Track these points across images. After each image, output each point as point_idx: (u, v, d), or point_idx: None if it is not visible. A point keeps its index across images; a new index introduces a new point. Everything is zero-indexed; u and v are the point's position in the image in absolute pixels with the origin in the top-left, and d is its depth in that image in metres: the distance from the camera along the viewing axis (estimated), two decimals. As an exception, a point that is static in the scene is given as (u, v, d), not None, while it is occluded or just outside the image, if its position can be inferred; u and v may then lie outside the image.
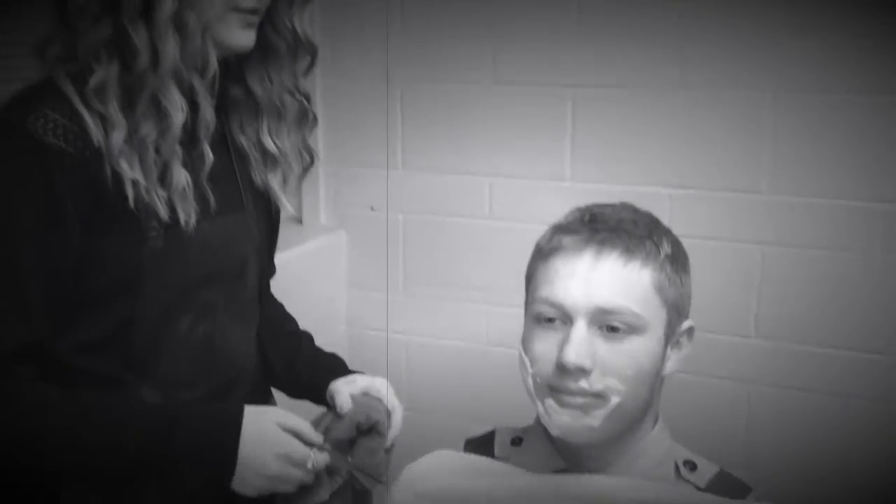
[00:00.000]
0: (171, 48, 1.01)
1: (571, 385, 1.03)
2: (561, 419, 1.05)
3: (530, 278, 1.12)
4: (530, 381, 1.08)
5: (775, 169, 1.93)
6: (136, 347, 1.09)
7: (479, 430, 1.25)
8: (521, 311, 1.15)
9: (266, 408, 1.15)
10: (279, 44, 1.16)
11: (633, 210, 1.12)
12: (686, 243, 1.15)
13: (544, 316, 1.06)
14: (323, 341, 2.26)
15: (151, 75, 1.01)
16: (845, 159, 1.87)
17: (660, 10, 1.95)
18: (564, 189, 2.07)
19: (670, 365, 1.11)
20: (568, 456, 1.11)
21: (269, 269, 1.37)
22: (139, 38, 1.00)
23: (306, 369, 1.34)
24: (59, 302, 1.04)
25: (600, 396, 1.03)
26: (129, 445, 1.04)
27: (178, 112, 1.03)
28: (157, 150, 1.03)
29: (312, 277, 2.26)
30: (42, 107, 0.99)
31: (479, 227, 2.20)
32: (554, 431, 1.07)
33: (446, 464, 1.16)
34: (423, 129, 2.21)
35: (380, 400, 1.25)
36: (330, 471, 1.16)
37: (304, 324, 2.18)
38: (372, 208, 2.30)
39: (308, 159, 1.26)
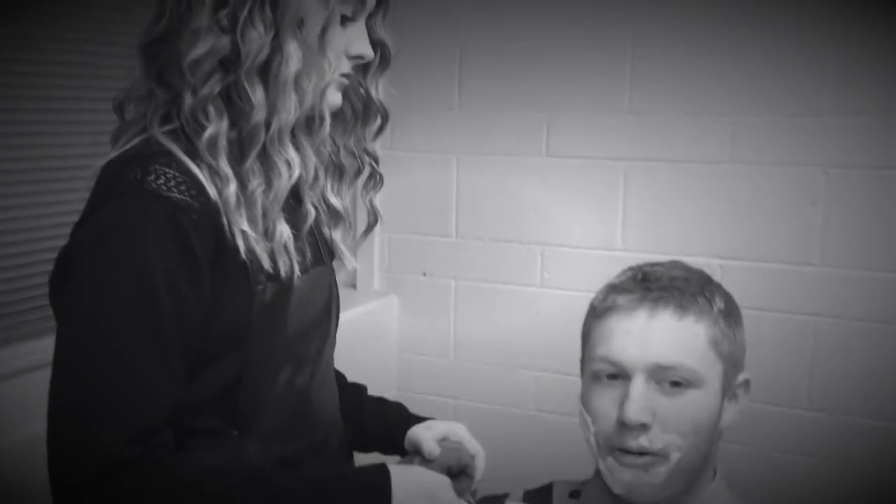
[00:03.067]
0: (291, 107, 1.03)
1: (632, 443, 1.05)
2: (623, 477, 1.06)
3: (586, 338, 1.14)
4: (592, 439, 1.10)
5: (827, 241, 1.93)
6: (242, 403, 1.07)
7: (526, 495, 1.26)
8: (568, 377, 1.17)
9: (408, 466, 1.15)
10: (345, 108, 1.19)
11: (685, 268, 1.15)
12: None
13: (603, 373, 1.08)
14: (373, 405, 2.30)
15: (264, 132, 1.02)
16: (895, 232, 1.88)
17: (711, 88, 2.00)
18: (616, 258, 2.09)
19: (727, 417, 1.12)
20: (627, 508, 1.12)
21: (338, 320, 1.37)
22: (256, 96, 1.02)
23: (376, 419, 1.33)
24: (188, 359, 1.02)
25: (661, 455, 1.05)
26: None
27: (293, 169, 1.05)
28: (264, 205, 1.04)
29: (364, 341, 2.29)
30: (157, 165, 0.99)
31: (530, 294, 2.22)
32: (616, 490, 1.08)
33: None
34: (478, 199, 2.26)
35: (461, 443, 1.24)
36: None
37: (355, 387, 2.22)
38: (424, 274, 2.34)
39: (373, 218, 1.27)
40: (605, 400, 1.08)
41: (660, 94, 2.05)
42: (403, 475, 1.07)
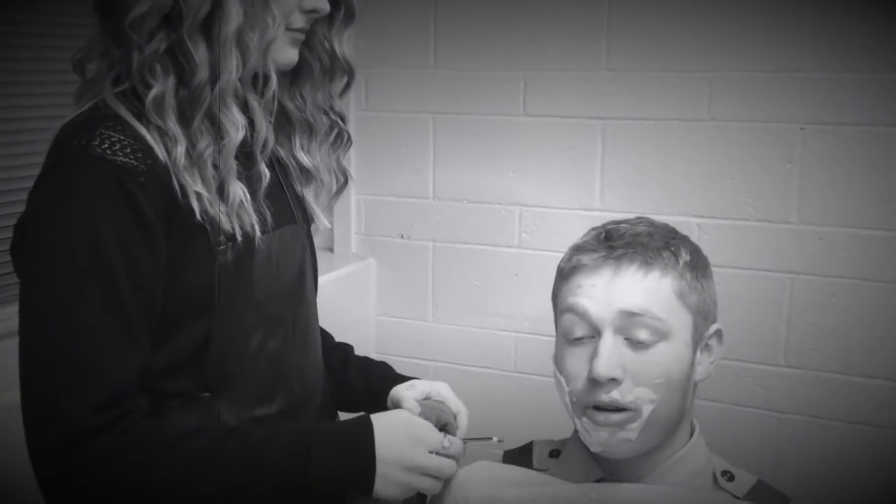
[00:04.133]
0: (233, 65, 1.01)
1: (604, 398, 1.05)
2: (599, 436, 1.07)
3: (555, 298, 1.15)
4: (567, 399, 1.10)
5: (804, 199, 1.94)
6: (212, 366, 1.06)
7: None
8: (547, 338, 1.17)
9: (389, 411, 1.14)
10: (313, 63, 1.16)
11: (650, 223, 1.15)
12: (715, 272, 1.16)
13: (573, 335, 1.09)
14: (352, 368, 2.30)
15: (209, 90, 1.01)
16: (872, 189, 1.89)
17: (688, 45, 1.99)
18: (594, 218, 2.06)
19: (701, 370, 1.12)
20: (606, 466, 1.13)
21: (317, 280, 1.36)
22: (199, 54, 1.00)
23: (360, 378, 1.33)
24: (153, 323, 1.02)
25: (633, 409, 1.05)
26: (269, 470, 1.01)
27: (237, 130, 1.03)
28: (215, 165, 1.02)
29: (343, 304, 2.28)
30: (102, 129, 0.98)
31: (509, 255, 2.22)
32: (593, 448, 1.09)
33: (486, 474, 1.17)
34: (455, 160, 2.24)
35: (443, 402, 1.24)
36: None
37: (334, 350, 2.22)
38: (402, 236, 2.33)
39: (342, 179, 1.26)
40: (576, 359, 1.08)
41: (637, 52, 2.03)
42: (385, 419, 1.08)
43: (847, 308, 1.93)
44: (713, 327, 1.13)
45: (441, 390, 1.25)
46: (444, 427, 1.21)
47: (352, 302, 2.33)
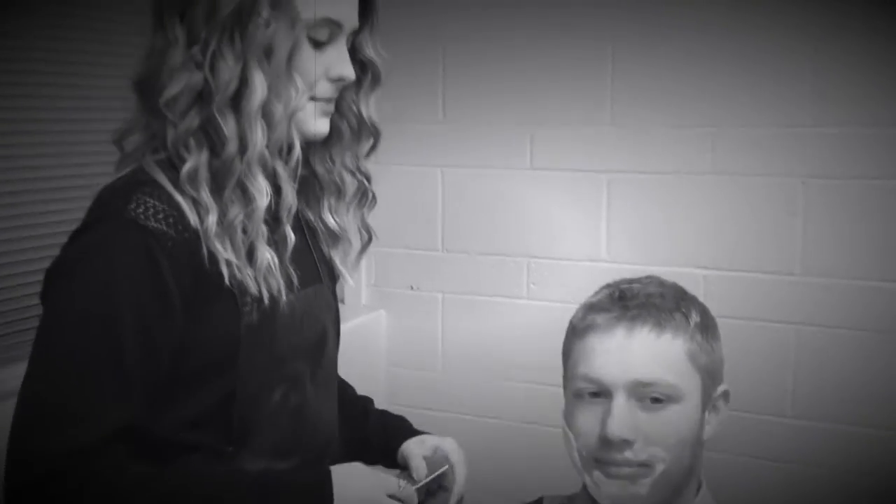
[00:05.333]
0: (258, 136, 1.05)
1: (617, 456, 1.07)
2: (609, 490, 1.08)
3: (567, 356, 1.17)
4: (576, 454, 1.12)
5: (807, 251, 1.97)
6: (235, 420, 1.10)
7: (519, 505, 1.28)
8: (557, 388, 1.19)
9: (349, 465, 1.16)
10: (343, 127, 1.20)
11: (660, 283, 1.17)
12: (721, 323, 1.18)
13: (585, 391, 1.10)
14: (363, 419, 2.30)
15: (239, 162, 1.05)
16: (874, 240, 1.92)
17: (691, 99, 2.03)
18: (601, 269, 2.12)
19: (709, 429, 1.14)
20: (615, 522, 1.14)
21: (339, 337, 1.38)
22: (229, 128, 1.04)
23: (377, 431, 1.36)
24: (161, 381, 1.05)
25: (646, 465, 1.07)
26: None
27: (263, 196, 1.06)
28: (245, 231, 1.07)
29: (353, 355, 2.28)
30: (140, 194, 1.03)
31: (518, 306, 2.24)
32: (604, 502, 1.10)
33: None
34: (463, 212, 2.28)
35: (446, 457, 1.26)
36: None
37: (344, 401, 2.23)
38: (412, 288, 2.35)
39: (367, 237, 1.30)
40: (588, 417, 1.10)
41: (641, 106, 2.08)
42: (345, 477, 1.09)
43: (852, 359, 1.95)
44: (721, 388, 1.15)
45: (447, 445, 1.27)
46: (441, 483, 1.23)
47: (362, 353, 2.34)
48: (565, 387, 1.16)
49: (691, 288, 1.20)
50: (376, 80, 1.21)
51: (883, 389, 1.92)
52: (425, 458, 1.25)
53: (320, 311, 1.21)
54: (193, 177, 1.05)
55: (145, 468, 1.03)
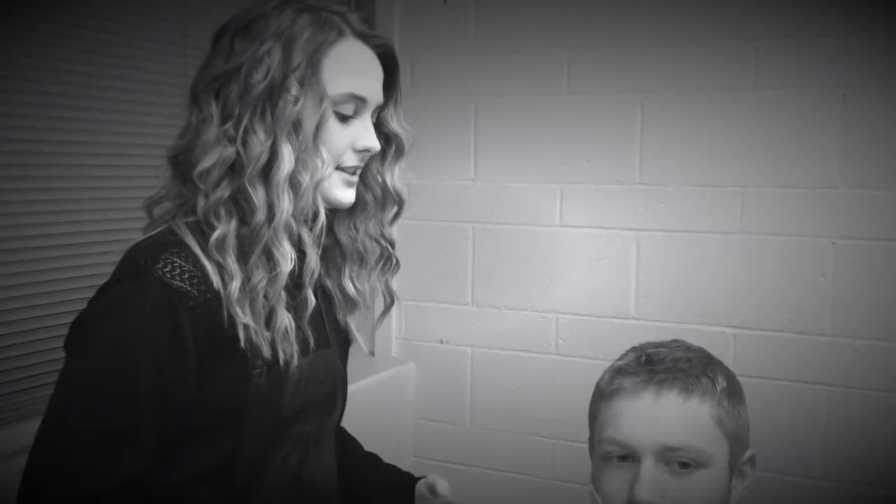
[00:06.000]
0: (286, 205, 1.10)
1: None
2: None
3: (594, 419, 1.17)
4: None
5: (838, 311, 1.97)
6: (239, 478, 1.13)
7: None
8: (585, 445, 1.20)
9: None
10: (367, 196, 1.24)
11: (686, 347, 1.18)
12: (750, 382, 1.18)
13: (613, 454, 1.11)
14: (390, 471, 2.31)
15: (267, 229, 1.09)
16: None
17: (720, 161, 2.06)
18: (629, 326, 2.13)
19: (736, 494, 1.14)
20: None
21: (345, 400, 1.41)
22: (258, 197, 1.09)
23: (380, 492, 1.39)
24: (173, 435, 1.08)
25: None
26: None
27: (287, 262, 1.11)
28: (266, 296, 1.10)
29: (382, 407, 2.31)
30: (167, 254, 1.07)
31: (546, 361, 2.25)
32: None
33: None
34: (493, 268, 2.31)
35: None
36: None
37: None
38: (441, 341, 2.37)
39: (389, 300, 1.33)
40: (616, 481, 1.10)
41: (669, 165, 2.10)
42: None
43: (884, 421, 1.93)
44: (747, 453, 1.16)
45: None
46: None
47: (391, 405, 2.36)
48: (592, 449, 1.17)
49: (720, 347, 1.21)
50: (400, 152, 1.25)
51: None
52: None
53: (329, 376, 1.24)
54: (222, 244, 1.09)
55: None
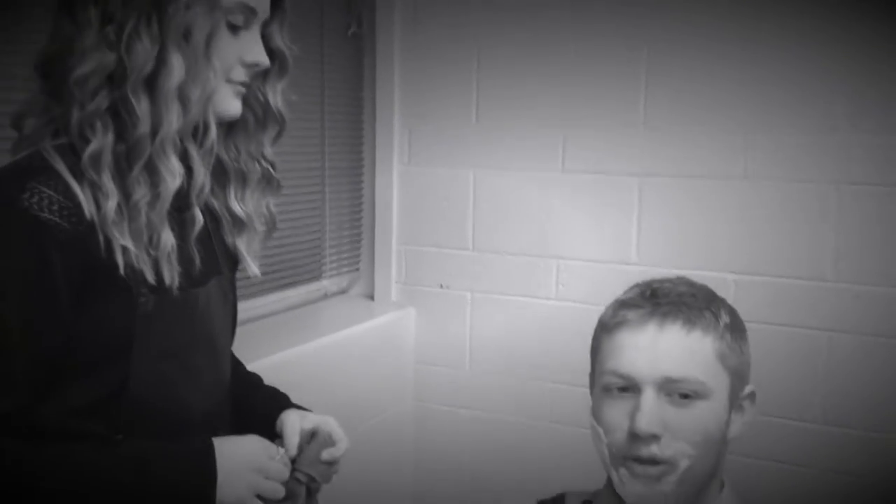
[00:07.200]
0: (174, 117, 1.05)
1: (643, 452, 1.07)
2: (635, 488, 1.09)
3: (595, 352, 1.17)
4: (605, 450, 1.12)
5: (839, 257, 1.96)
6: (127, 409, 1.09)
7: (542, 503, 1.29)
8: (583, 389, 1.20)
9: (234, 437, 1.16)
10: (247, 115, 1.19)
11: (691, 283, 1.18)
12: (751, 328, 1.18)
13: (614, 386, 1.11)
14: (390, 415, 2.33)
15: (149, 143, 1.04)
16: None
17: (724, 105, 2.03)
18: (630, 272, 2.12)
19: (734, 428, 1.15)
20: (638, 518, 1.15)
21: (235, 324, 1.36)
22: (141, 109, 1.03)
23: (263, 405, 1.33)
24: (45, 373, 1.04)
25: (670, 463, 1.08)
26: (103, 496, 1.05)
27: (174, 177, 1.06)
28: (147, 215, 1.06)
29: (382, 352, 2.32)
30: (34, 182, 1.01)
31: (546, 306, 2.25)
32: (629, 500, 1.11)
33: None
34: (494, 213, 2.30)
35: (329, 435, 1.25)
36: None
37: (372, 397, 2.27)
38: (441, 286, 2.37)
39: (271, 223, 1.29)
40: (617, 412, 1.11)
41: (674, 110, 2.08)
42: (229, 448, 1.11)
43: (883, 366, 1.93)
44: (747, 388, 1.16)
45: (331, 423, 1.26)
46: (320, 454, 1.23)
47: (391, 349, 2.37)
48: (593, 383, 1.17)
49: (721, 292, 1.21)
50: (283, 70, 1.21)
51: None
52: (306, 431, 1.24)
53: (219, 303, 1.21)
54: (97, 159, 1.03)
55: (13, 445, 1.03)
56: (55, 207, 1.01)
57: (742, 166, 2.03)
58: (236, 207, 1.24)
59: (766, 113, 1.99)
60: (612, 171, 2.15)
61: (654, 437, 1.07)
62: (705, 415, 1.09)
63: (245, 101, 1.18)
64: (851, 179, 1.94)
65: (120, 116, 1.05)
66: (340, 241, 2.45)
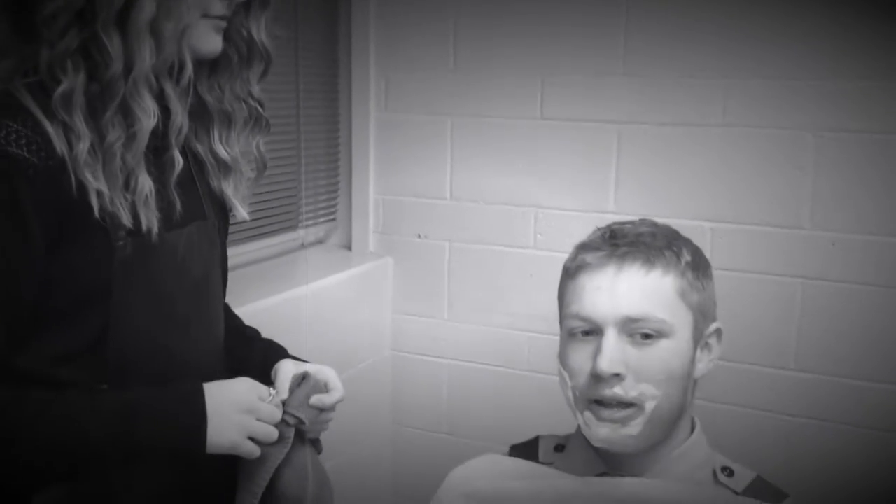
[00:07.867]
0: (146, 55, 1.01)
1: (607, 393, 1.08)
2: (601, 431, 1.10)
3: (561, 297, 1.18)
4: (570, 394, 1.13)
5: (816, 205, 1.96)
6: (111, 358, 1.07)
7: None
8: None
9: (221, 381, 1.14)
10: (230, 52, 1.15)
11: (652, 224, 1.18)
12: (727, 276, 1.19)
13: (577, 330, 1.12)
14: (368, 364, 2.34)
15: (122, 82, 1.01)
16: (885, 196, 1.91)
17: (703, 53, 2.01)
18: (608, 220, 2.09)
19: (701, 367, 1.16)
20: (608, 460, 1.16)
21: (226, 275, 1.33)
22: (113, 47, 1.00)
23: (258, 355, 1.32)
24: (22, 316, 1.01)
25: (636, 405, 1.08)
26: (91, 441, 1.02)
27: (149, 117, 1.03)
28: (123, 157, 1.02)
29: (359, 302, 2.32)
30: (2, 118, 0.97)
31: (524, 255, 2.25)
32: (595, 443, 1.12)
33: (492, 466, 1.22)
34: (472, 161, 2.27)
35: (325, 382, 1.24)
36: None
37: (349, 347, 2.27)
38: (419, 236, 2.36)
39: (262, 164, 1.26)
40: (580, 355, 1.11)
41: (654, 57, 2.06)
42: (218, 390, 1.09)
43: (858, 313, 1.95)
44: (713, 326, 1.17)
45: (327, 372, 1.25)
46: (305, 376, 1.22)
47: (368, 299, 2.36)
48: (560, 328, 1.17)
49: (698, 240, 1.21)
50: (266, 2, 1.16)
51: (888, 344, 1.93)
52: (297, 375, 1.22)
53: (203, 250, 1.17)
54: (68, 100, 0.99)
55: (2, 391, 1.01)
56: (23, 142, 0.97)
57: (721, 114, 2.01)
58: (220, 150, 1.20)
59: (744, 59, 1.97)
60: (592, 118, 2.13)
61: (617, 377, 1.08)
62: (668, 354, 1.10)
63: (228, 38, 1.14)
64: (829, 126, 1.93)
65: (91, 56, 1.01)
66: (317, 191, 2.42)
